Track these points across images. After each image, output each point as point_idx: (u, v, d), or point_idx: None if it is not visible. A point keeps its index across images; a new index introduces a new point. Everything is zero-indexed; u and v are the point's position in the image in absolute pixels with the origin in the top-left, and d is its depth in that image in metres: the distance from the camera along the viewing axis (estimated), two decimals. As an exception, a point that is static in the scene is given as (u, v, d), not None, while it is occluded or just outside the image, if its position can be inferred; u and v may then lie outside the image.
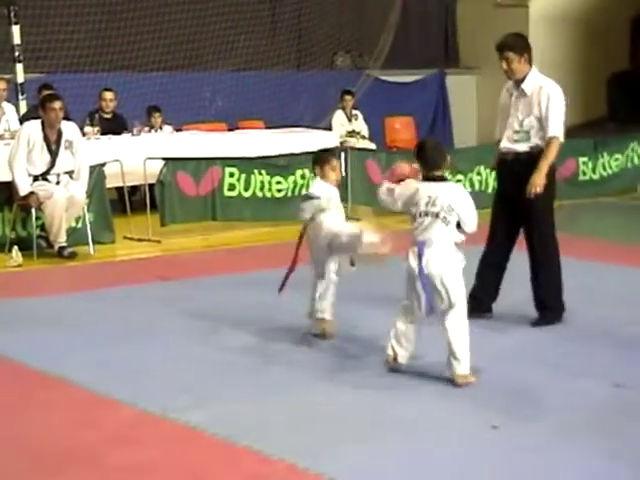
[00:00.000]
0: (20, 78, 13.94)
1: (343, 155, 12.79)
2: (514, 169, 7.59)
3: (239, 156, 12.60)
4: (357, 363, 6.64)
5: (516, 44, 7.56)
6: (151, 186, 11.90)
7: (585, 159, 14.60)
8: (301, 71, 18.65)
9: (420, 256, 6.09)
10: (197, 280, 9.37)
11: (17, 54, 13.89)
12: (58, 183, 10.68)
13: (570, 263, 7.70)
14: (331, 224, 7.00)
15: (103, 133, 13.17)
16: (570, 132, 8.53)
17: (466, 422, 5.55)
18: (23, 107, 13.74)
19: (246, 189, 12.30)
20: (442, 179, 6.33)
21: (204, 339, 7.28)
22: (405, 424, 5.53)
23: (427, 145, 6.46)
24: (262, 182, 12.42)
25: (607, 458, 5.02)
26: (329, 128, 15.69)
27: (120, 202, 12.49)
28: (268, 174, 12.47)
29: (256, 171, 12.36)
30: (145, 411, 5.74)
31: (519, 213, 7.58)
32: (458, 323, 6.09)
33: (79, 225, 11.02)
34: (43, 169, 10.67)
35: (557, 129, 7.46)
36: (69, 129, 10.87)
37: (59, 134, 10.73)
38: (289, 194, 12.59)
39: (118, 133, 13.47)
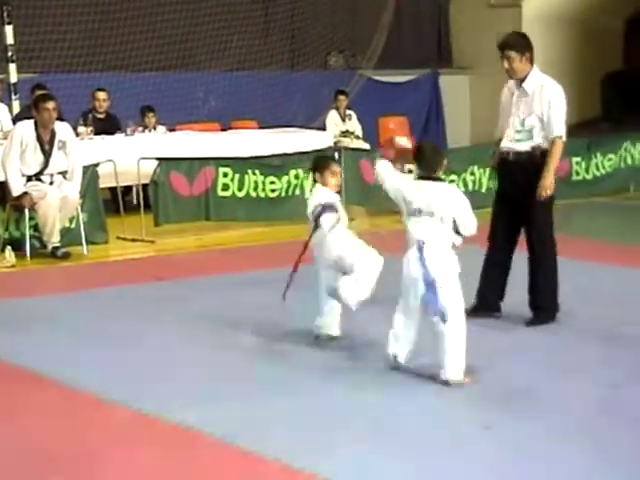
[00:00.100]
0: (13, 78, 13.94)
1: (337, 155, 12.78)
2: (515, 169, 7.59)
3: (232, 156, 12.59)
4: (355, 363, 6.64)
5: (517, 43, 7.56)
6: (145, 186, 11.90)
7: (579, 159, 14.61)
8: (294, 71, 18.66)
9: (419, 256, 6.09)
10: (191, 280, 9.37)
11: (10, 54, 13.88)
12: (51, 183, 10.67)
13: (564, 263, 7.70)
14: (336, 245, 6.85)
15: (96, 133, 13.15)
16: (564, 132, 8.54)
17: (463, 422, 5.55)
18: (16, 107, 13.74)
19: (240, 189, 12.29)
20: (438, 180, 6.34)
21: (199, 339, 7.27)
22: (402, 424, 5.53)
23: (426, 148, 6.47)
24: (256, 182, 12.41)
25: (602, 458, 5.03)
26: (323, 128, 15.69)
27: (114, 202, 12.48)
28: (262, 174, 12.46)
29: (250, 171, 12.35)
30: (141, 411, 5.73)
31: (519, 213, 7.59)
32: (454, 326, 6.08)
33: (72, 225, 10.99)
34: (36, 169, 10.65)
35: (560, 129, 7.47)
36: (62, 129, 10.85)
37: (52, 134, 10.71)
38: (283, 194, 12.58)
39: (111, 133, 13.46)
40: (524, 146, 7.55)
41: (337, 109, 16.11)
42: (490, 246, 7.81)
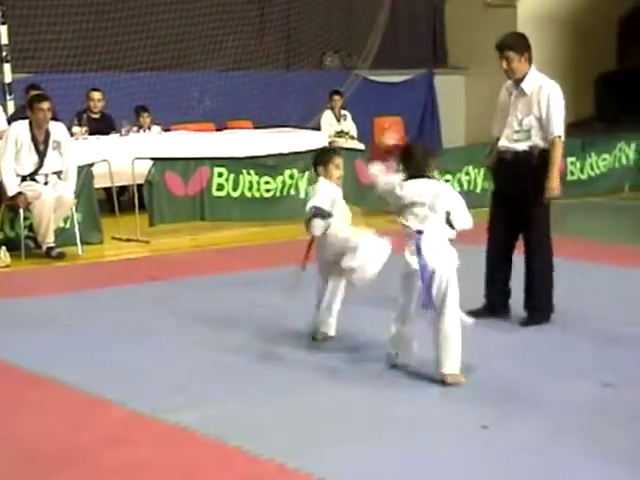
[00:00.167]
0: (8, 78, 13.94)
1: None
2: (513, 168, 7.60)
3: (227, 156, 12.59)
4: (353, 363, 6.63)
5: (516, 43, 7.57)
6: (139, 186, 11.89)
7: (573, 159, 14.63)
8: (290, 71, 18.66)
9: (418, 248, 6.09)
10: (186, 280, 9.36)
11: (4, 54, 13.88)
12: (46, 183, 10.66)
13: (558, 263, 7.71)
14: (338, 231, 6.85)
15: (91, 133, 13.15)
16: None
17: (461, 422, 5.55)
18: (11, 107, 13.72)
19: (235, 189, 12.29)
20: (428, 177, 6.36)
21: (195, 339, 7.26)
22: (398, 424, 5.53)
23: (415, 149, 6.49)
24: (251, 182, 12.41)
25: (599, 458, 5.03)
26: (318, 128, 15.70)
27: (108, 202, 12.47)
28: (257, 174, 12.45)
29: (245, 171, 12.35)
30: (136, 411, 5.72)
31: (518, 212, 7.59)
32: (450, 321, 6.09)
33: (67, 225, 10.98)
34: (31, 169, 10.65)
35: (559, 129, 7.48)
36: (57, 129, 10.84)
37: (47, 134, 10.70)
38: (278, 194, 12.59)
39: (106, 133, 13.45)
40: (522, 146, 7.56)
41: (332, 109, 16.12)
42: (490, 247, 7.81)
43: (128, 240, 11.46)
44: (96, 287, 9.15)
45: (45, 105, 10.61)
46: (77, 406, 5.94)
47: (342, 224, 6.92)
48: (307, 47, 18.77)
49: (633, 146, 15.29)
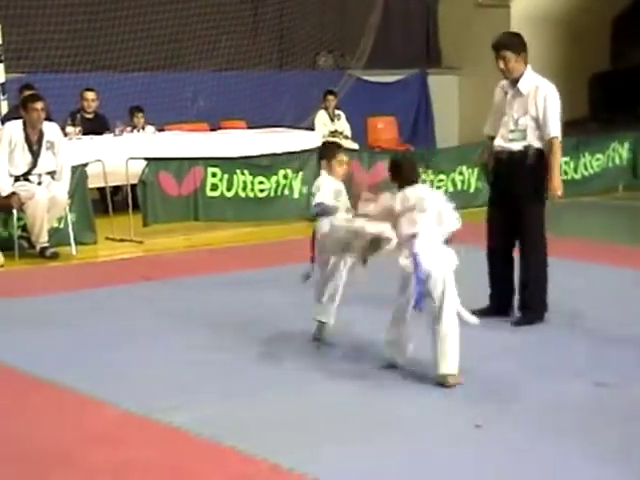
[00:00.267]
0: (1, 78, 13.89)
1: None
2: (508, 168, 7.60)
3: (221, 156, 12.59)
4: (349, 363, 6.63)
5: (513, 43, 7.58)
6: (133, 186, 11.87)
7: (567, 159, 14.61)
8: (283, 71, 18.65)
9: (412, 251, 6.09)
10: (180, 280, 9.36)
11: (-2, 54, 13.84)
12: (40, 183, 10.65)
13: (552, 262, 7.72)
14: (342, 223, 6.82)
15: (85, 133, 13.14)
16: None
17: (454, 422, 5.56)
18: (4, 107, 13.69)
19: (228, 189, 12.28)
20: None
21: (189, 339, 7.26)
22: (393, 424, 5.53)
23: (401, 162, 6.55)
24: (244, 182, 12.40)
25: (593, 457, 5.04)
26: (311, 128, 15.70)
27: (102, 202, 12.45)
28: (250, 174, 12.44)
29: (238, 171, 12.34)
30: (130, 411, 5.72)
31: (514, 212, 7.59)
32: (447, 323, 6.08)
33: (61, 225, 10.97)
34: (25, 169, 10.63)
35: (556, 129, 7.50)
36: (50, 129, 10.83)
37: (40, 134, 10.69)
38: (271, 194, 12.57)
39: (100, 133, 13.44)
40: (517, 145, 7.57)
41: (326, 109, 16.12)
42: (489, 247, 7.81)
43: (122, 240, 11.45)
44: (90, 287, 9.15)
45: (39, 105, 10.60)
46: (70, 406, 5.93)
47: (346, 216, 6.89)
48: (300, 47, 18.75)
49: (626, 146, 15.30)
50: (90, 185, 11.64)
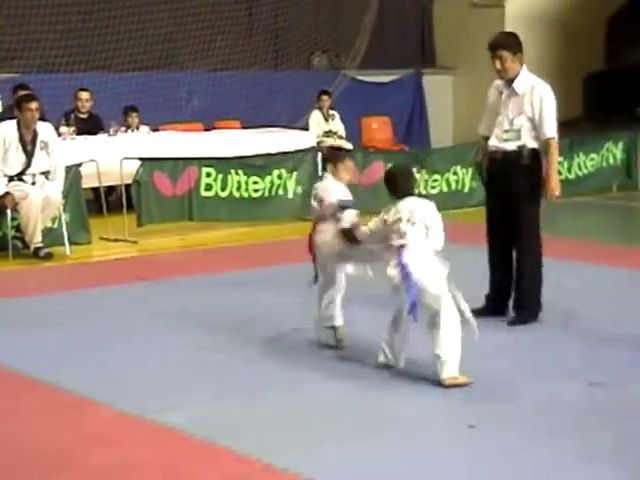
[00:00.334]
0: (-5, 78, 13.89)
1: (320, 155, 12.79)
2: (502, 168, 7.60)
3: (216, 156, 12.58)
4: (346, 363, 6.62)
5: (509, 43, 7.58)
6: (127, 186, 11.86)
7: (561, 159, 14.59)
8: (278, 71, 18.64)
9: (401, 262, 6.09)
10: (174, 280, 9.35)
11: (-8, 54, 13.83)
12: (34, 183, 10.64)
13: (546, 262, 7.72)
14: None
15: (79, 133, 13.12)
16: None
17: (448, 422, 5.56)
18: (-2, 107, 13.68)
19: (223, 189, 12.28)
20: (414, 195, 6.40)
21: (183, 339, 7.25)
22: (388, 424, 5.53)
23: (396, 173, 6.57)
24: (239, 182, 12.40)
25: (588, 457, 5.04)
26: (306, 128, 15.69)
27: (96, 202, 12.44)
28: (245, 174, 12.44)
29: (233, 171, 12.33)
30: (124, 412, 5.72)
31: (511, 211, 7.60)
32: (445, 328, 6.05)
33: (55, 226, 10.96)
34: (18, 169, 10.62)
35: (552, 130, 7.51)
36: (45, 130, 10.82)
37: (35, 134, 10.68)
38: (266, 194, 12.57)
39: (94, 133, 13.42)
40: (512, 146, 7.57)
41: (320, 109, 16.11)
42: (489, 248, 7.81)
43: (116, 240, 11.44)
44: (84, 287, 9.14)
45: (33, 105, 10.60)
46: (64, 406, 5.92)
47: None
48: (295, 47, 18.75)
49: (621, 146, 15.31)
50: (84, 185, 11.64)
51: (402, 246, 6.13)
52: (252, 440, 5.23)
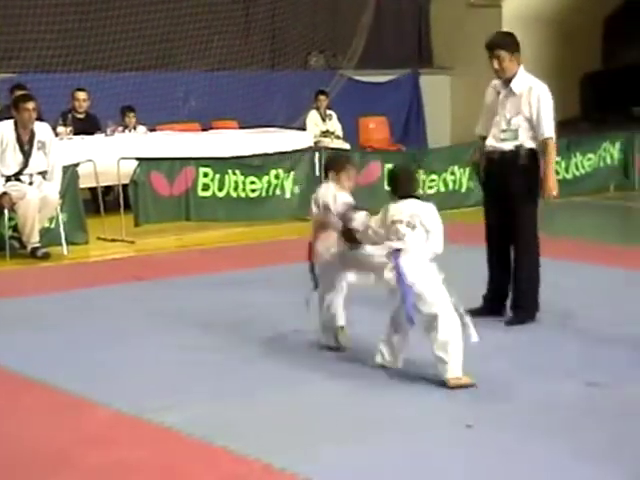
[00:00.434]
0: (-8, 78, 13.88)
1: (317, 155, 12.81)
2: (500, 168, 7.60)
3: (213, 156, 12.59)
4: (345, 363, 6.61)
5: (507, 42, 7.58)
6: (125, 186, 11.87)
7: (558, 159, 14.60)
8: (275, 71, 18.65)
9: (397, 265, 6.09)
10: (172, 280, 9.35)
11: (-11, 54, 13.82)
12: (31, 184, 10.63)
13: (544, 262, 7.72)
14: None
15: (76, 133, 13.12)
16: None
17: (446, 422, 5.56)
18: (-5, 107, 13.67)
19: (220, 189, 12.28)
20: (415, 198, 6.38)
21: (180, 339, 7.25)
22: (386, 424, 5.52)
23: (399, 173, 6.58)
24: (236, 182, 12.40)
25: (584, 457, 5.04)
26: (303, 128, 15.70)
27: (93, 202, 12.43)
28: (242, 174, 12.44)
29: (230, 171, 12.33)
30: (121, 412, 5.71)
31: (509, 211, 7.60)
32: (445, 330, 6.04)
33: (52, 226, 10.96)
34: (16, 169, 10.62)
35: (550, 130, 7.51)
36: (42, 130, 10.82)
37: (32, 134, 10.68)
38: (263, 194, 12.57)
39: (91, 133, 13.43)
40: (509, 145, 7.56)
41: (317, 109, 16.11)
42: (488, 248, 7.81)
43: (113, 240, 11.44)
44: (81, 287, 9.14)
45: (30, 105, 10.59)
46: (61, 406, 5.92)
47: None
48: (292, 47, 18.75)
49: (618, 146, 15.31)
50: (81, 185, 11.63)
51: (399, 249, 6.12)
52: (250, 440, 5.23)
